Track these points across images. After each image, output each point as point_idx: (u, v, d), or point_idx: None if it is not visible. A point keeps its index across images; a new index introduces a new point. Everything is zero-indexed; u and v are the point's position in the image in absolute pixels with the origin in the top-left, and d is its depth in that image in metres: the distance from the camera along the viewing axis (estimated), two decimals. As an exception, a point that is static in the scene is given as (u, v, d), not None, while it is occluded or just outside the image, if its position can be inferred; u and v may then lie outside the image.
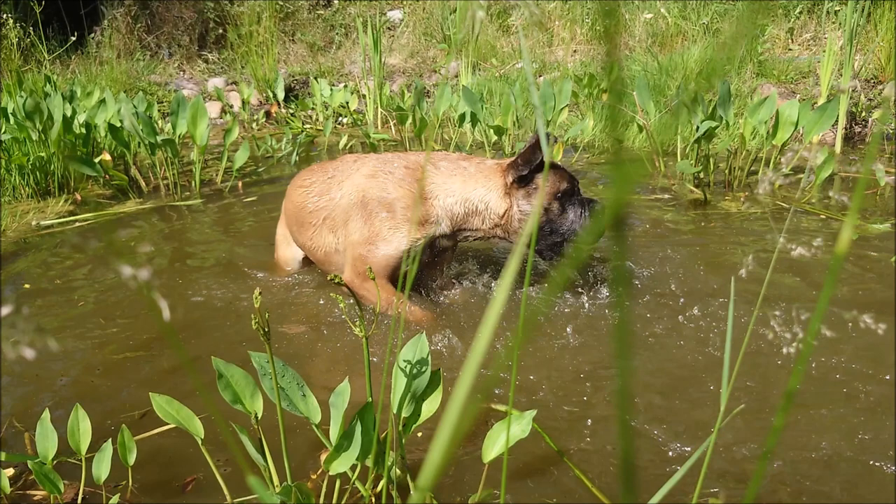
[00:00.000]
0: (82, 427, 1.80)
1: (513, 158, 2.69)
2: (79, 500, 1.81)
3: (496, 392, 2.31)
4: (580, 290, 2.93)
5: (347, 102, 6.92)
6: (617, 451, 2.02)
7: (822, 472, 1.92)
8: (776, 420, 0.58)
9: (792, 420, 2.12)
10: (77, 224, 4.19)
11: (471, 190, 2.70)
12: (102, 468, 1.74)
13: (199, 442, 1.71)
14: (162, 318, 0.56)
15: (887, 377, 2.32)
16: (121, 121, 4.82)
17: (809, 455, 1.98)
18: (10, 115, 4.66)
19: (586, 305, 2.86)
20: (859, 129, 5.86)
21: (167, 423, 2.15)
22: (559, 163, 2.82)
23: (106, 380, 2.48)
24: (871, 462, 1.94)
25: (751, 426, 2.11)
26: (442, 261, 2.97)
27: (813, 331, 0.59)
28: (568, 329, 2.70)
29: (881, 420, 2.12)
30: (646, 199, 4.42)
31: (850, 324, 2.55)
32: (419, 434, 2.10)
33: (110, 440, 1.77)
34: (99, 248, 3.79)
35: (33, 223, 4.15)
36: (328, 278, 1.46)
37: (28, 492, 1.93)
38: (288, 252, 3.31)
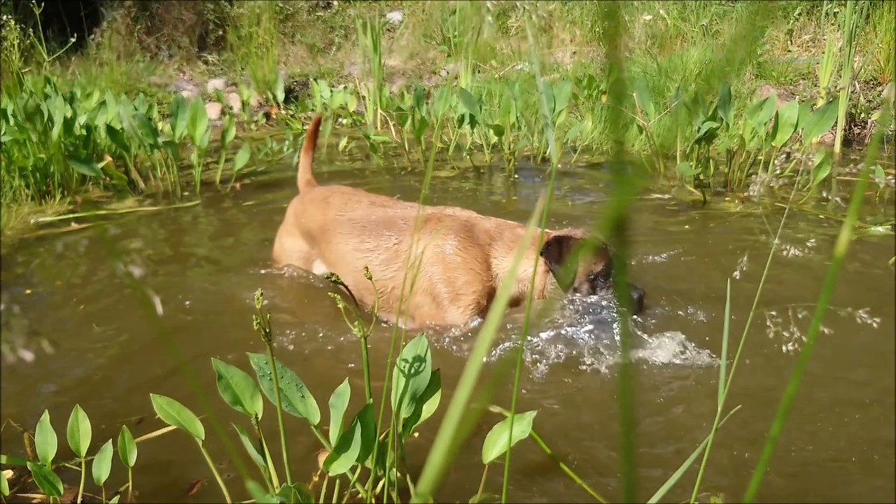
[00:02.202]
0: (82, 428, 1.80)
1: (556, 234, 2.73)
2: (78, 502, 1.81)
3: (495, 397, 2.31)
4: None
5: (347, 103, 6.92)
6: (616, 452, 2.02)
7: (822, 472, 1.92)
8: (773, 428, 0.58)
9: (791, 420, 2.12)
10: (75, 225, 4.19)
11: (522, 266, 2.77)
12: (102, 469, 1.74)
13: (200, 443, 1.71)
14: (156, 318, 0.56)
15: (885, 377, 2.32)
16: (120, 122, 4.82)
17: (808, 455, 1.98)
18: (10, 117, 4.66)
19: (585, 314, 2.86)
20: (858, 131, 5.86)
21: (165, 428, 2.15)
22: (603, 243, 2.76)
23: (104, 382, 2.48)
24: (870, 462, 1.94)
25: (749, 425, 2.11)
26: None
27: (812, 334, 0.59)
28: (566, 336, 2.70)
29: (880, 419, 2.12)
30: (646, 199, 4.42)
31: (847, 323, 2.54)
32: (416, 434, 2.09)
33: (110, 441, 1.77)
34: (97, 248, 3.79)
35: (31, 221, 4.15)
36: (325, 276, 1.46)
37: (27, 494, 1.93)
38: (282, 253, 3.32)
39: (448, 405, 0.47)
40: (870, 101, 5.96)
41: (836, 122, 5.39)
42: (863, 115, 5.85)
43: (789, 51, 7.18)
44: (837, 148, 5.50)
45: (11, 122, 4.61)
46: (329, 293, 2.93)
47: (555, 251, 2.67)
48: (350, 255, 2.90)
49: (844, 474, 1.91)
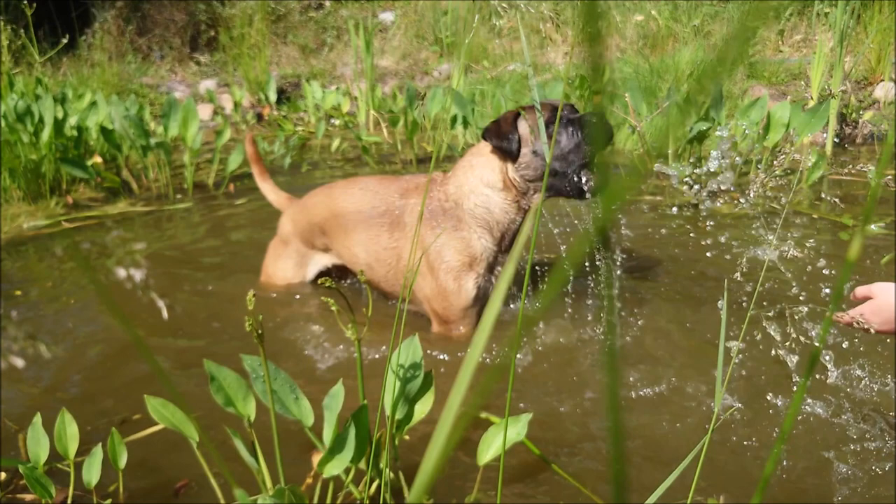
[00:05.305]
0: (69, 431, 1.79)
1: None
2: (69, 503, 1.80)
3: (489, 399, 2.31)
4: (569, 300, 2.93)
5: (339, 104, 6.90)
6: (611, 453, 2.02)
7: (820, 472, 1.92)
8: (767, 466, 0.58)
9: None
10: (67, 227, 4.17)
11: (476, 182, 2.57)
12: (93, 473, 1.73)
13: (195, 445, 1.70)
14: (129, 329, 0.56)
15: (884, 378, 2.33)
16: (112, 123, 4.80)
17: (807, 455, 1.98)
18: (1, 118, 4.64)
19: (576, 316, 2.87)
20: (850, 131, 5.88)
21: (153, 427, 2.14)
22: (548, 102, 2.53)
23: (97, 383, 2.47)
24: (869, 463, 1.95)
25: (747, 426, 2.12)
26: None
27: (822, 338, 0.59)
28: (560, 339, 2.70)
29: (879, 420, 2.13)
30: (638, 200, 4.42)
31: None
32: (407, 437, 2.09)
33: (100, 445, 1.76)
34: (88, 249, 3.77)
35: (24, 226, 4.13)
36: (319, 282, 1.46)
37: (19, 496, 1.92)
38: (276, 265, 3.14)
39: (441, 404, 0.47)
40: (861, 101, 5.99)
41: (828, 123, 5.41)
42: (854, 115, 5.88)
43: (780, 51, 7.20)
44: (829, 148, 5.52)
45: (3, 122, 4.59)
46: (322, 297, 2.93)
47: (493, 129, 2.50)
48: (362, 224, 2.82)
49: (843, 475, 1.92)
